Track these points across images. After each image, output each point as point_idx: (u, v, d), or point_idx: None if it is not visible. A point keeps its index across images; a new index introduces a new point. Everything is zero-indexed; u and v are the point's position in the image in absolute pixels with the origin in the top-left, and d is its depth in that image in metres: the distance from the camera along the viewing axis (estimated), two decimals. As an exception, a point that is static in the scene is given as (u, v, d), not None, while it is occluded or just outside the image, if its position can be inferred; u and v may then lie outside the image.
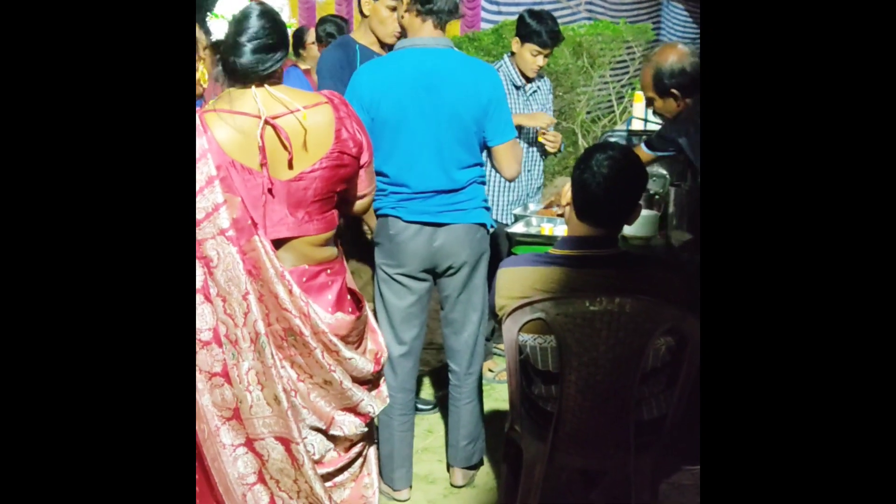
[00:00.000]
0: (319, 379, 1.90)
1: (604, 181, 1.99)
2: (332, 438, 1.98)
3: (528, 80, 3.45)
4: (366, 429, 2.03)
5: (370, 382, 2.04)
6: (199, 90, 1.99)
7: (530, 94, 3.49)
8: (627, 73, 7.24)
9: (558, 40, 3.38)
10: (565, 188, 2.13)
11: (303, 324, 1.82)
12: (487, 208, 2.62)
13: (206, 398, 1.84)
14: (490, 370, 3.64)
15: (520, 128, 3.25)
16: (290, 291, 1.81)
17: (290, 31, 2.08)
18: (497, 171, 2.62)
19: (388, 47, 2.89)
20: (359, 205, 2.07)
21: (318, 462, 1.94)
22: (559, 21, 3.48)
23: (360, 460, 2.08)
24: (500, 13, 7.59)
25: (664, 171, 3.34)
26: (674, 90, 2.57)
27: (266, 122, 1.79)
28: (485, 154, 2.62)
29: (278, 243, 1.85)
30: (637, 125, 4.14)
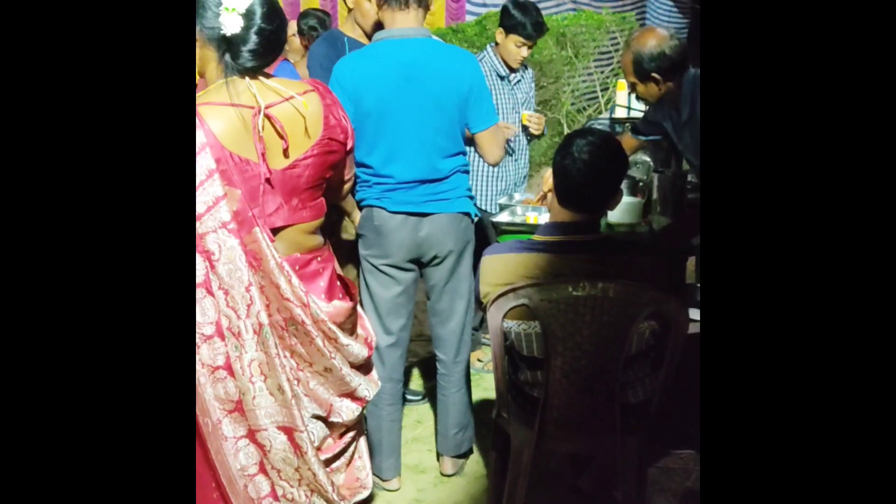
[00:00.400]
0: (320, 367, 1.93)
1: (584, 167, 2.00)
2: (330, 425, 2.01)
3: (512, 70, 3.46)
4: (363, 412, 2.06)
5: (363, 367, 2.08)
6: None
7: (514, 84, 3.50)
8: (612, 63, 7.24)
9: (543, 31, 3.38)
10: (547, 175, 2.14)
11: (304, 313, 1.84)
12: (471, 197, 2.63)
13: (209, 392, 1.84)
14: (479, 360, 3.65)
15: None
16: (290, 281, 1.83)
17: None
18: (481, 156, 2.63)
19: (375, 40, 2.89)
20: (344, 190, 2.12)
21: (318, 449, 1.97)
22: (543, 11, 3.47)
23: (353, 444, 2.12)
24: (484, 5, 7.56)
25: (647, 158, 3.35)
26: (654, 74, 2.54)
27: (263, 113, 1.79)
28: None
29: (272, 233, 1.86)
30: (620, 113, 4.14)
